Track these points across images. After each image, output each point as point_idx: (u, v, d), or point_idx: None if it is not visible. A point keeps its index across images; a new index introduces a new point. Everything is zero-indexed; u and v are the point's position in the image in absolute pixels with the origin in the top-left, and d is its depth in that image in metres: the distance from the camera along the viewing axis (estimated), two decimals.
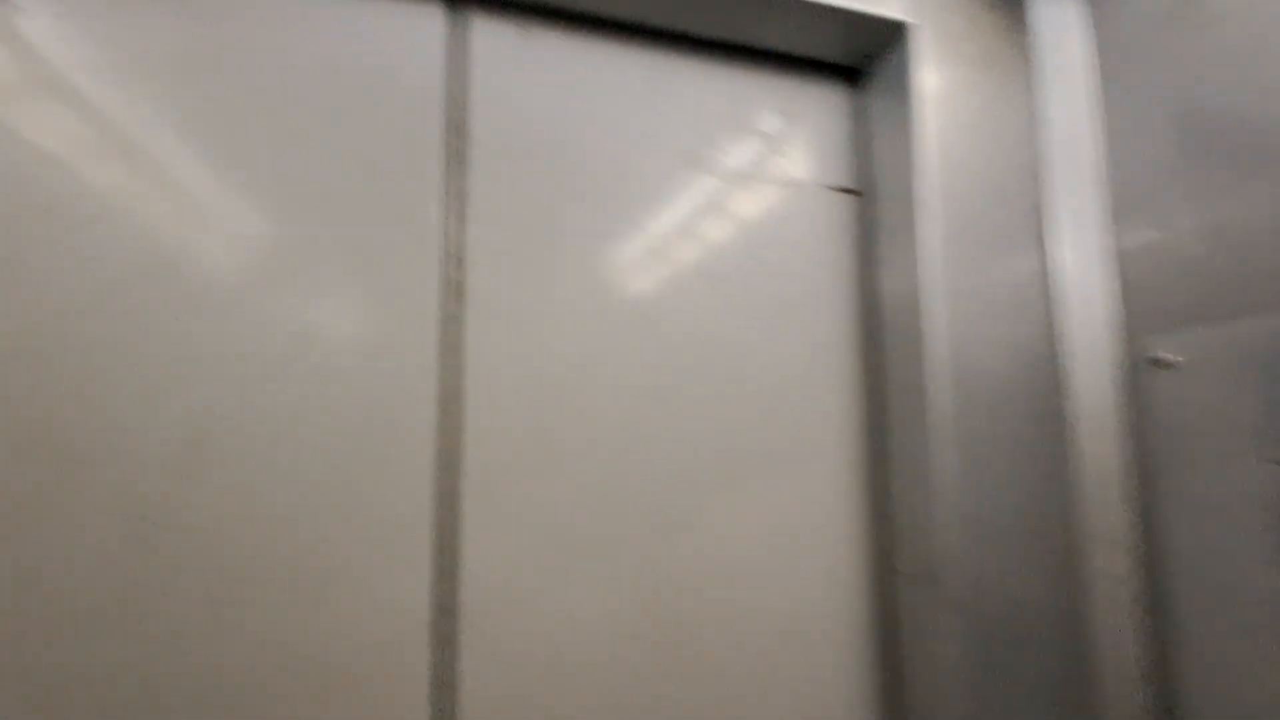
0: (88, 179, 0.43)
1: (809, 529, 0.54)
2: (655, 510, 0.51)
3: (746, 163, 0.57)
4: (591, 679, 0.49)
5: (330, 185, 0.47)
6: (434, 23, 0.51)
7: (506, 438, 0.49)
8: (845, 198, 0.59)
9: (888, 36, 0.55)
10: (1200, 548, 0.45)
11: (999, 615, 0.49)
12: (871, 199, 0.58)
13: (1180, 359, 0.47)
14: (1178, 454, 0.47)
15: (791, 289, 0.56)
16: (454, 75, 0.50)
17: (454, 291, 0.49)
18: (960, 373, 0.50)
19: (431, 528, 0.47)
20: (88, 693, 0.40)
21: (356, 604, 0.45)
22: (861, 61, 0.59)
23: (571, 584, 0.49)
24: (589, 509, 0.50)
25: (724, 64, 0.57)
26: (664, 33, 0.56)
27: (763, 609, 0.52)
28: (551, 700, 0.48)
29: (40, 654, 0.39)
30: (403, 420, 0.47)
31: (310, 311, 0.46)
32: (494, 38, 0.52)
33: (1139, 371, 0.50)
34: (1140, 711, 0.49)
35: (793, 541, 0.53)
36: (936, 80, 0.54)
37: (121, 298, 0.42)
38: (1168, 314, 0.48)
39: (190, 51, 0.45)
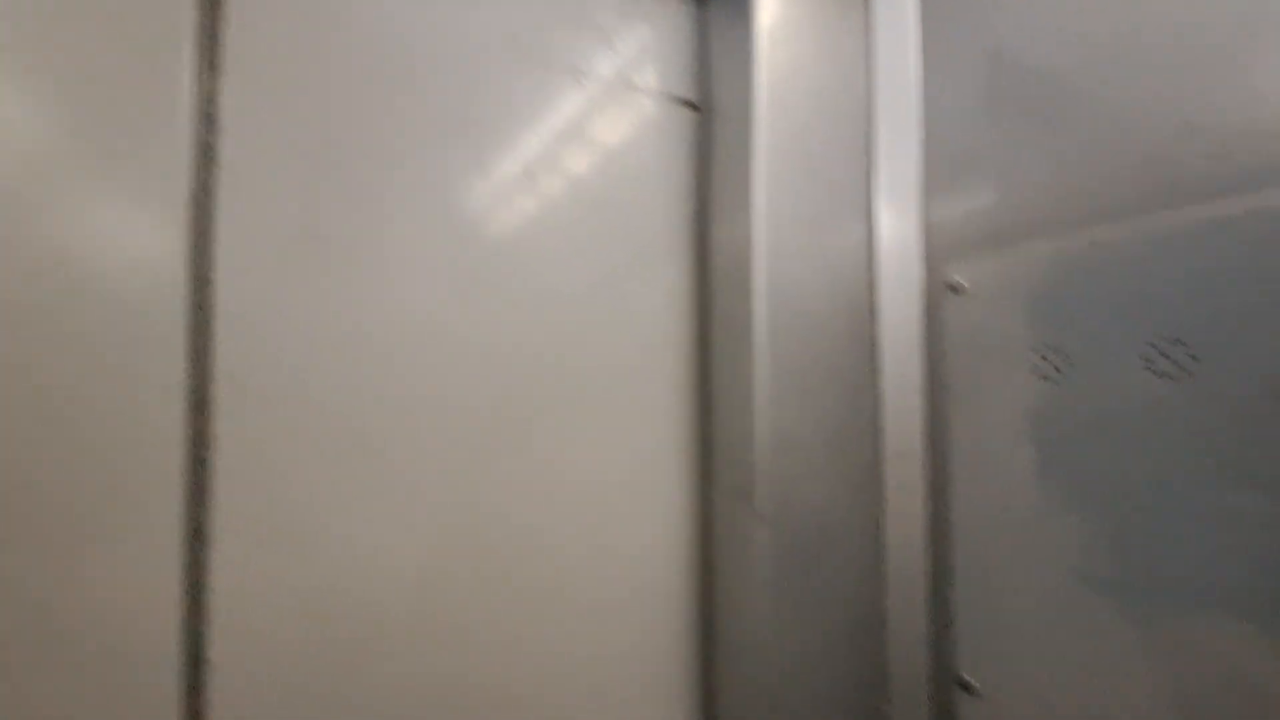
0: None
1: (633, 450, 0.52)
2: (472, 436, 0.47)
3: (582, 59, 0.52)
4: (394, 624, 0.44)
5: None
6: None
7: (268, 343, 0.42)
8: (685, 111, 0.57)
9: None
10: (979, 460, 0.49)
11: (805, 526, 0.50)
12: (709, 117, 0.56)
13: (968, 284, 0.51)
14: (965, 373, 0.51)
15: (624, 197, 0.54)
16: None
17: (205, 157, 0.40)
18: (781, 296, 0.51)
19: (183, 451, 0.39)
20: None
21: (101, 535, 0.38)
22: None
23: (367, 520, 0.44)
24: (382, 431, 0.44)
25: None
26: None
27: (587, 529, 0.50)
28: (327, 658, 0.42)
29: None
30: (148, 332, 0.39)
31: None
32: None
33: (937, 297, 0.53)
34: (923, 616, 0.53)
35: (619, 464, 0.52)
36: (777, 5, 0.53)
37: None
38: (963, 243, 0.52)
39: None
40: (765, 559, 0.49)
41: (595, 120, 0.53)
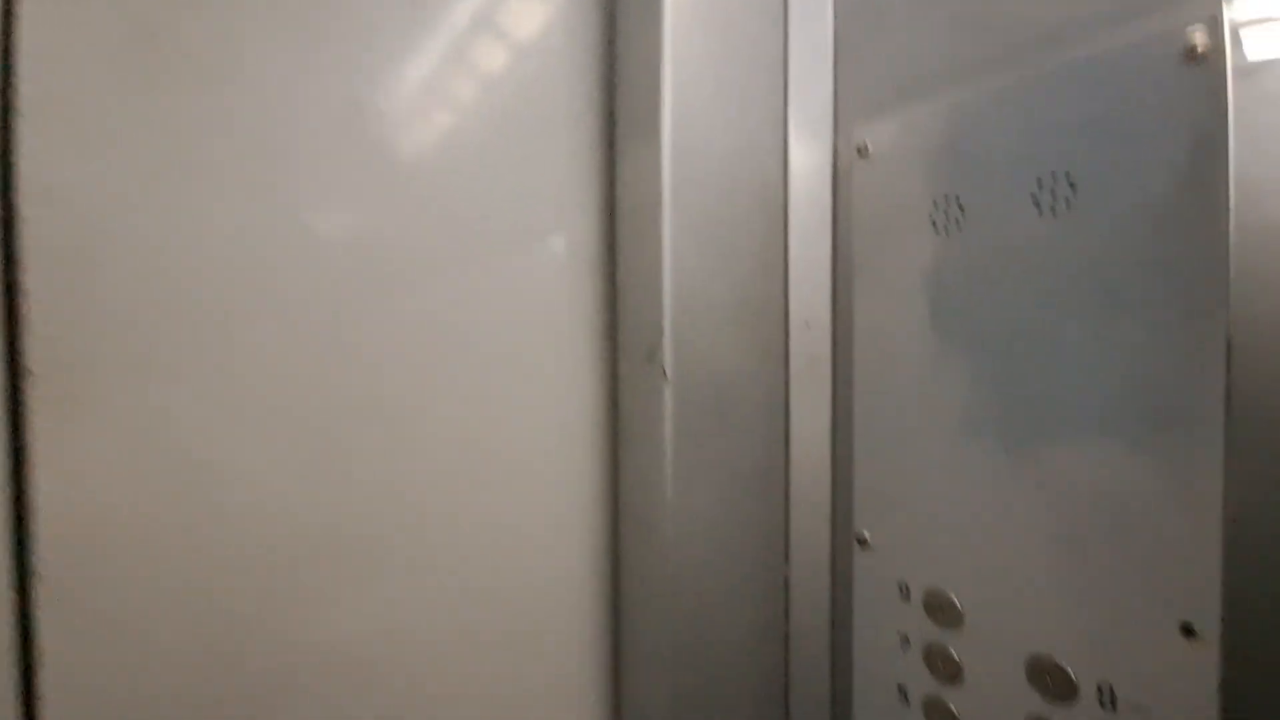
0: None
1: (542, 306, 0.51)
2: (365, 333, 0.44)
3: None
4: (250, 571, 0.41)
5: None
6: None
7: (94, 250, 0.36)
8: None
9: None
10: (880, 324, 0.50)
11: (712, 390, 0.50)
12: None
13: (874, 147, 0.50)
14: (870, 238, 0.50)
15: (528, 74, 0.51)
16: None
17: None
18: (690, 159, 0.49)
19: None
20: None
21: None
22: None
23: (220, 453, 0.40)
24: (238, 347, 0.40)
25: None
26: None
27: (489, 395, 0.49)
28: (168, 597, 0.38)
29: None
30: None
31: None
32: None
33: (847, 163, 0.53)
34: (825, 479, 0.53)
35: (525, 321, 0.50)
36: None
37: None
38: (871, 106, 0.51)
39: None
40: (671, 421, 0.48)
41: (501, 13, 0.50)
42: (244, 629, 0.41)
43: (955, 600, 0.45)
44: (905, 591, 0.48)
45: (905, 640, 0.48)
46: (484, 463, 0.50)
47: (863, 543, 0.51)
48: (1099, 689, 0.38)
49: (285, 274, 0.42)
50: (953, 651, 0.45)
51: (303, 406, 0.43)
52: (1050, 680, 0.40)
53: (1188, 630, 0.34)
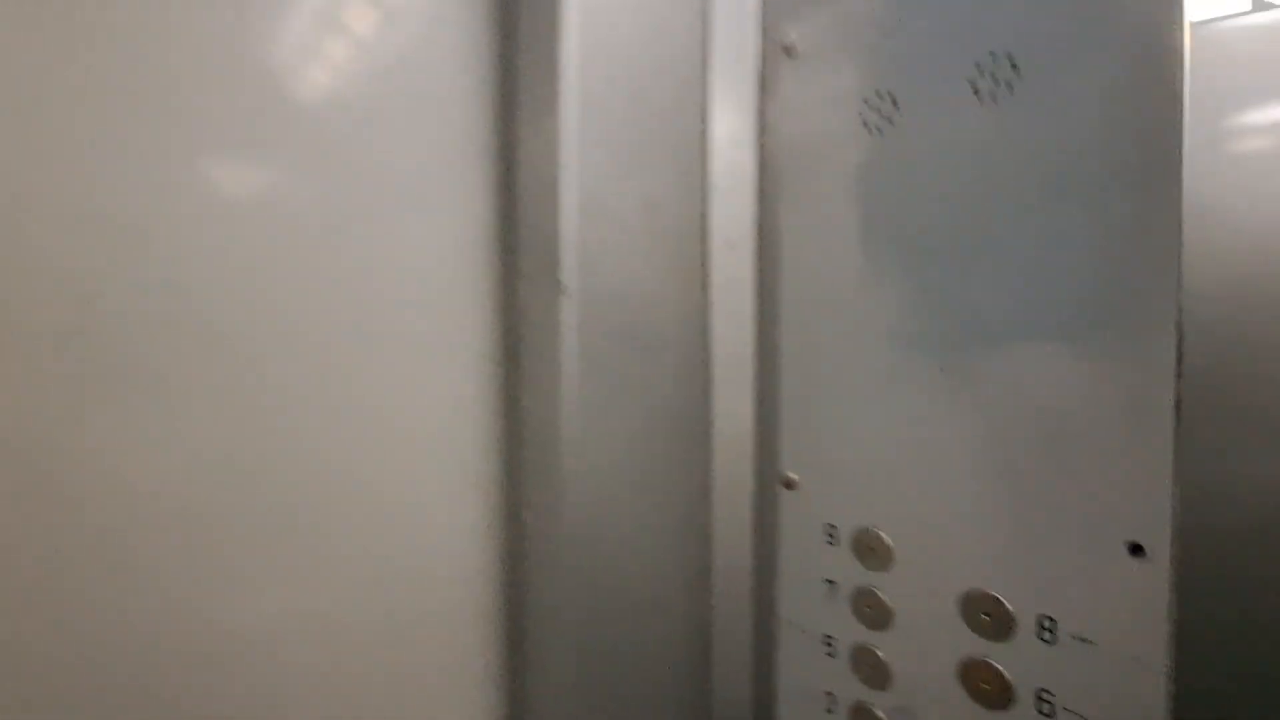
0: None
1: (436, 233, 0.43)
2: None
3: None
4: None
5: None
6: None
7: None
8: None
9: None
10: (808, 239, 0.44)
11: (620, 313, 0.44)
12: None
13: (800, 44, 0.45)
14: (798, 143, 0.45)
15: None
16: None
17: None
18: (595, 49, 0.43)
19: None
20: None
21: None
22: None
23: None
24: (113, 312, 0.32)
25: None
26: None
27: (376, 331, 0.41)
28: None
29: None
30: None
31: None
32: None
33: (773, 63, 0.47)
34: (750, 417, 0.48)
35: (420, 256, 0.43)
36: None
37: None
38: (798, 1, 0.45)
39: None
40: (572, 343, 0.42)
41: None
42: (107, 623, 0.33)
43: (886, 539, 0.41)
44: (833, 534, 0.44)
45: (833, 586, 0.44)
46: (366, 409, 0.42)
47: (789, 484, 0.47)
48: (1039, 622, 0.34)
49: (157, 235, 0.34)
50: (882, 595, 0.41)
51: (168, 377, 0.34)
52: (987, 617, 0.36)
53: (1135, 549, 0.31)
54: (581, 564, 0.43)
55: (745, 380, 0.48)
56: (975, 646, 0.37)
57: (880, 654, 0.42)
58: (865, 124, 0.42)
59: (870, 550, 0.42)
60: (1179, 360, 0.30)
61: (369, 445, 0.42)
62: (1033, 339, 0.34)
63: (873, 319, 0.41)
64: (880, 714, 0.42)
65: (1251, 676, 0.30)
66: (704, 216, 0.47)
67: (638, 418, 0.45)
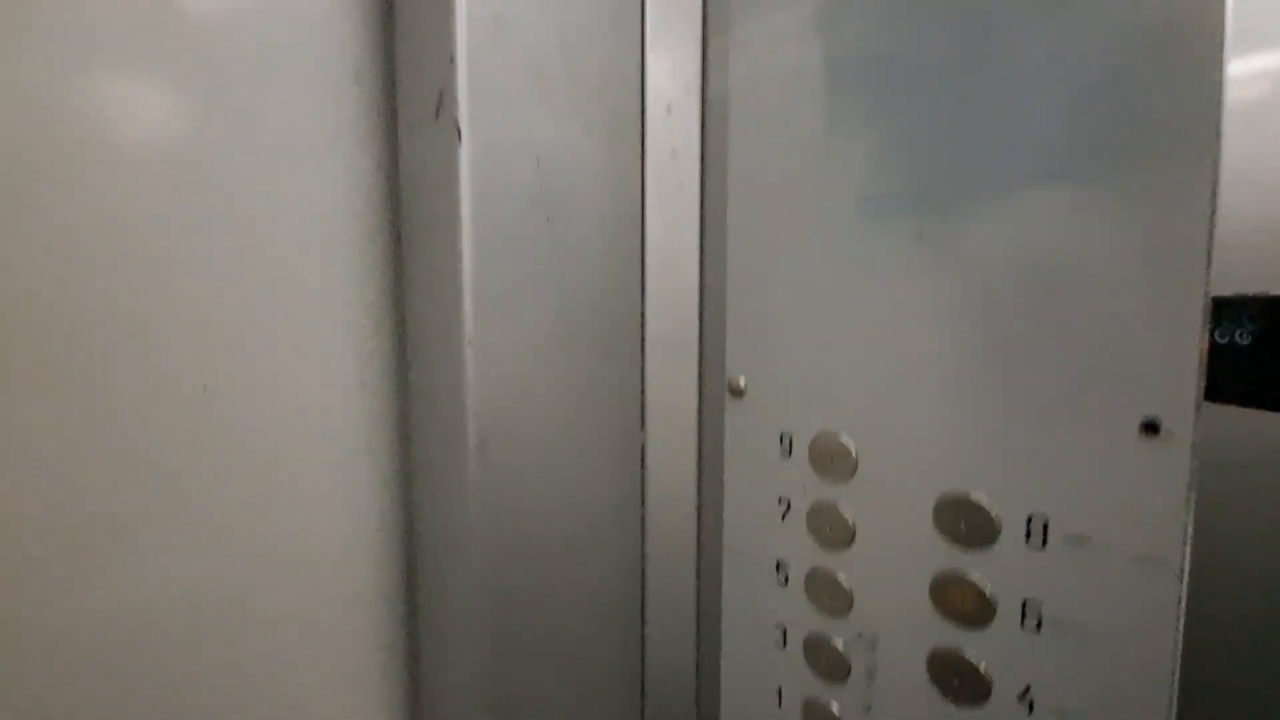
0: None
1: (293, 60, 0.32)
2: None
3: None
4: None
5: None
6: None
7: None
8: None
9: None
10: (757, 97, 0.37)
11: (531, 172, 0.35)
12: None
13: None
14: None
15: None
16: None
17: None
18: None
19: None
20: None
21: None
22: None
23: None
24: None
25: None
26: None
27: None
28: None
29: None
30: None
31: None
32: None
33: None
34: (694, 311, 0.42)
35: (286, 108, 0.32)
36: None
37: None
38: None
39: None
40: (469, 202, 0.33)
41: None
42: None
43: (848, 444, 0.35)
44: (788, 444, 0.38)
45: (787, 505, 0.38)
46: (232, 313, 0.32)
47: (737, 391, 0.40)
48: (1028, 523, 0.29)
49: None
50: (843, 510, 0.36)
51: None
52: (964, 524, 0.31)
53: (1149, 427, 0.26)
54: (488, 493, 0.35)
55: (687, 269, 0.41)
56: (951, 559, 0.32)
57: (840, 577, 0.36)
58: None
59: (829, 459, 0.36)
60: (1214, 197, 0.24)
61: (240, 363, 0.33)
62: (1033, 184, 0.28)
63: (835, 184, 0.34)
64: (838, 643, 0.37)
65: (1274, 573, 0.26)
66: (641, 70, 0.39)
67: (553, 310, 0.37)
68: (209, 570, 0.33)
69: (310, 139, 0.35)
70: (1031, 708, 0.30)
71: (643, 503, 0.43)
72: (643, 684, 0.43)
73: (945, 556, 0.32)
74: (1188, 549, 0.25)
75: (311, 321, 0.36)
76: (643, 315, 0.41)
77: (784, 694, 0.40)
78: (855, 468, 0.35)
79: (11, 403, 0.28)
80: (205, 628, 0.34)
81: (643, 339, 0.41)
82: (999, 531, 0.30)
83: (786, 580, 0.39)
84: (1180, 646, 0.26)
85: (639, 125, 0.39)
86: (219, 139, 0.32)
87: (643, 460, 0.42)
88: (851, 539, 0.36)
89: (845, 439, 0.35)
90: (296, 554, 0.37)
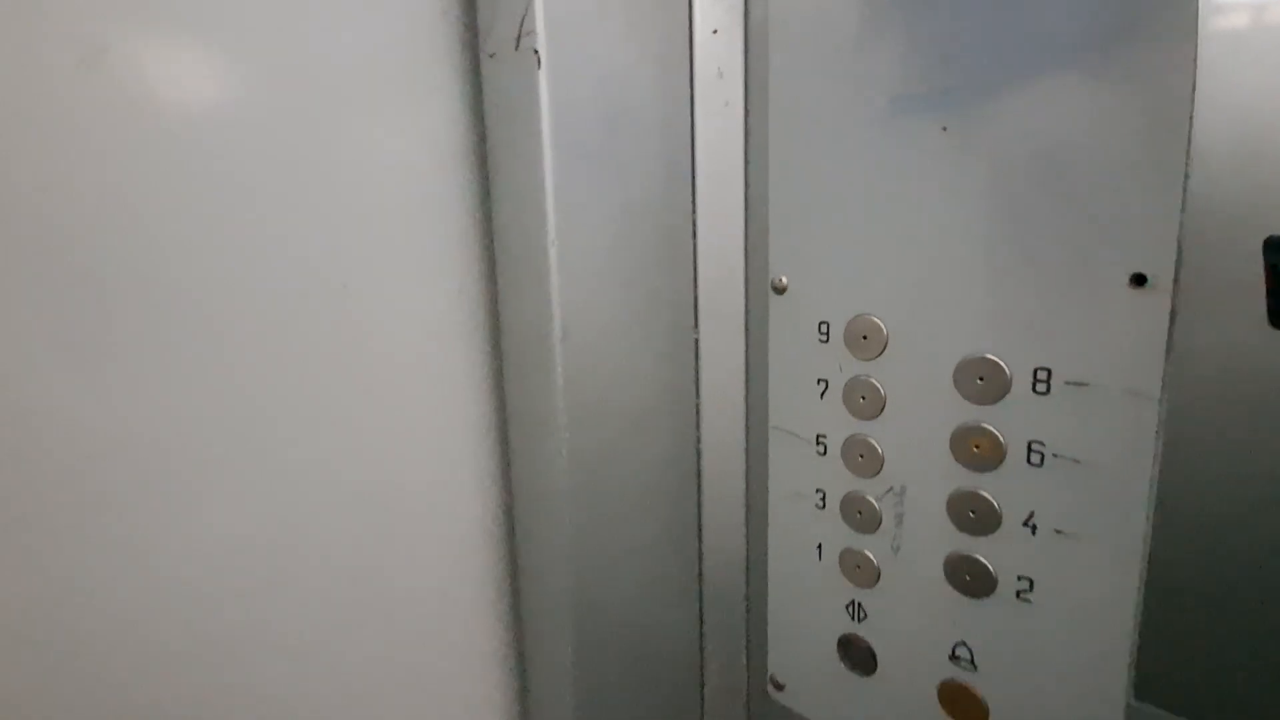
0: None
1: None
2: None
3: None
4: None
5: None
6: None
7: None
8: None
9: None
10: (794, 19, 0.41)
11: (599, 95, 0.40)
12: None
13: None
14: None
15: None
16: None
17: None
18: None
19: None
20: None
21: None
22: None
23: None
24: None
25: None
26: None
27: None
28: None
29: None
30: None
31: None
32: None
33: None
34: (739, 225, 0.46)
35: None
36: None
37: None
38: None
39: None
40: (549, 122, 0.38)
41: None
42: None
43: (880, 324, 0.40)
44: (825, 331, 0.43)
45: (825, 385, 0.44)
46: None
47: (780, 289, 0.46)
48: (1034, 375, 0.34)
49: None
50: (875, 382, 0.41)
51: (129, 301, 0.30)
52: (981, 380, 0.36)
53: (1138, 280, 0.30)
54: (570, 373, 0.42)
55: (733, 178, 0.46)
56: (968, 413, 0.37)
57: (873, 441, 0.42)
58: None
59: (863, 339, 0.41)
60: (1194, 75, 0.28)
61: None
62: (1042, 73, 0.32)
63: (870, 87, 0.38)
64: (871, 499, 0.43)
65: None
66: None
67: (616, 216, 0.42)
68: (348, 441, 0.41)
69: (406, 70, 0.41)
70: (1034, 530, 0.35)
71: (697, 391, 0.49)
72: (700, 544, 0.51)
73: (963, 412, 0.37)
74: (1165, 382, 0.30)
75: (416, 235, 0.42)
76: (694, 221, 0.46)
77: (823, 548, 0.46)
78: (886, 345, 0.40)
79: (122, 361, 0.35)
80: (343, 499, 0.42)
81: (694, 243, 0.46)
82: (1010, 384, 0.35)
83: (825, 450, 0.45)
84: (1158, 469, 0.31)
85: (688, 48, 0.44)
86: (341, 71, 0.38)
87: (696, 353, 0.48)
88: (883, 408, 0.41)
89: (877, 319, 0.40)
90: (409, 426, 0.44)
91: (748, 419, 0.49)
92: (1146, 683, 0.33)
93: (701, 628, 0.53)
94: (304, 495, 0.40)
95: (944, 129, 0.36)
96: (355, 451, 0.42)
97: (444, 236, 0.44)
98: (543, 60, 0.37)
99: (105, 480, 0.34)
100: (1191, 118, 0.28)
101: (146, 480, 0.35)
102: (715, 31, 0.44)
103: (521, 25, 0.37)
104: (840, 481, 0.44)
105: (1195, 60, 0.28)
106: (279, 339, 0.38)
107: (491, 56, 0.40)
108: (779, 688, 0.51)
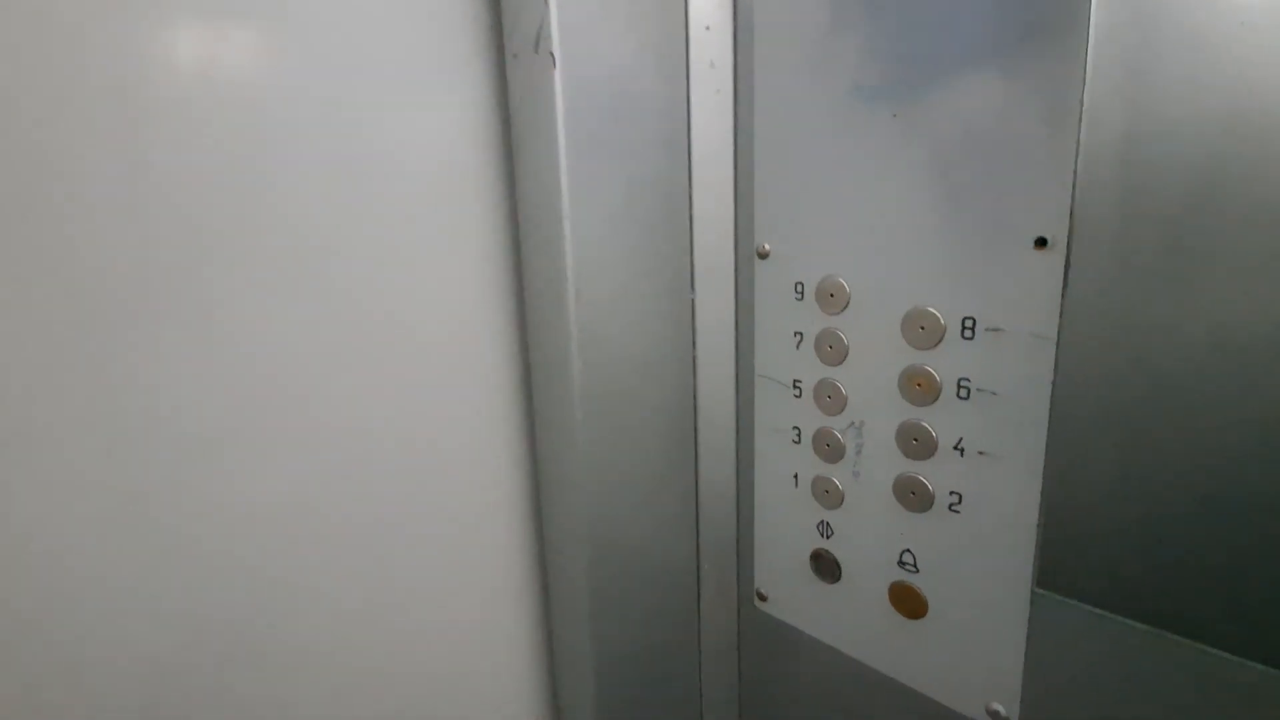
0: None
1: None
2: None
3: None
4: None
5: None
6: None
7: None
8: None
9: None
10: (778, 18, 0.47)
11: (606, 87, 0.47)
12: None
13: None
14: None
15: None
16: None
17: None
18: None
19: None
20: None
21: None
22: None
23: None
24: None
25: None
26: None
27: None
28: None
29: None
30: None
31: None
32: None
33: None
34: (729, 197, 0.53)
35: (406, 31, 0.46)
36: None
37: None
38: None
39: None
40: (563, 116, 0.46)
41: None
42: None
43: (844, 283, 0.47)
44: (800, 291, 0.51)
45: (800, 337, 0.51)
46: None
47: (763, 255, 0.53)
48: (963, 324, 0.41)
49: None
50: (841, 334, 0.48)
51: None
52: (922, 328, 0.43)
53: (1040, 242, 0.37)
54: (583, 329, 0.50)
55: (723, 157, 0.52)
56: (912, 357, 0.44)
57: (838, 383, 0.49)
58: None
59: (830, 296, 0.48)
60: (1086, 64, 0.34)
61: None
62: (968, 69, 0.38)
63: (836, 78, 0.45)
64: (837, 433, 0.50)
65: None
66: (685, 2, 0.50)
67: (621, 192, 0.49)
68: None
69: (441, 68, 0.48)
70: (963, 453, 0.43)
71: (694, 344, 0.57)
72: (696, 476, 0.59)
73: (908, 356, 0.44)
74: (1060, 324, 0.37)
75: (451, 209, 0.51)
76: (690, 196, 0.53)
77: (798, 477, 0.54)
78: (848, 301, 0.47)
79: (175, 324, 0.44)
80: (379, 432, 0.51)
81: (690, 215, 0.54)
82: (944, 332, 0.42)
83: (800, 393, 0.52)
84: (1051, 398, 0.38)
85: (684, 42, 0.50)
86: (386, 69, 0.46)
87: (693, 311, 0.56)
88: (846, 355, 0.48)
89: (841, 279, 0.47)
90: (447, 374, 0.53)
91: (737, 368, 0.57)
92: (1046, 573, 0.40)
93: (698, 549, 0.61)
94: (359, 442, 0.50)
95: (894, 115, 0.42)
96: (399, 396, 0.51)
97: (475, 211, 0.52)
98: (557, 61, 0.44)
99: (194, 435, 0.43)
100: (1082, 105, 0.34)
101: (220, 437, 0.44)
102: (708, 28, 0.51)
103: (539, 31, 0.45)
104: (812, 419, 0.52)
105: (1086, 58, 0.34)
106: (343, 299, 0.47)
107: (515, 57, 0.47)
108: (763, 599, 0.60)
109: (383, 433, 0.51)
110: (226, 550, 0.45)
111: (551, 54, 0.44)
